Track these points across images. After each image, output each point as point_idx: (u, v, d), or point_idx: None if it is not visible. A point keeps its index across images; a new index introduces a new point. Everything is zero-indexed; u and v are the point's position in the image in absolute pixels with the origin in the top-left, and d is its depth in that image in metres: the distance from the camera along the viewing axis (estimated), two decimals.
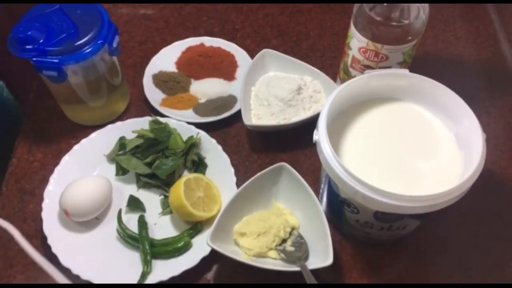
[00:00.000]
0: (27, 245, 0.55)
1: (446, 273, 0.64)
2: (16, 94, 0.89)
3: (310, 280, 0.56)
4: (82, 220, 0.65)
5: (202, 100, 0.79)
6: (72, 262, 0.60)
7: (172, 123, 0.73)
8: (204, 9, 0.93)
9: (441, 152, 0.59)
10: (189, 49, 0.85)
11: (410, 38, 0.64)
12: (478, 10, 0.94)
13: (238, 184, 0.66)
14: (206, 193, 0.66)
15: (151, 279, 0.60)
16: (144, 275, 0.60)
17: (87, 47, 0.64)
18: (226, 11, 0.93)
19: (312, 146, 0.57)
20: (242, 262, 0.59)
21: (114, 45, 0.67)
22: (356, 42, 0.66)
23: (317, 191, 0.64)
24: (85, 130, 0.74)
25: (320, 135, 0.54)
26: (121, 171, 0.70)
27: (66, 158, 0.69)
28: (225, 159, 0.70)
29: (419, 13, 0.62)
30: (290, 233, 0.63)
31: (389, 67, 0.67)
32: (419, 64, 0.71)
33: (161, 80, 0.80)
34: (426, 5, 0.63)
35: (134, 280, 0.60)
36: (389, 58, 0.66)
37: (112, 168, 0.71)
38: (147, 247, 0.62)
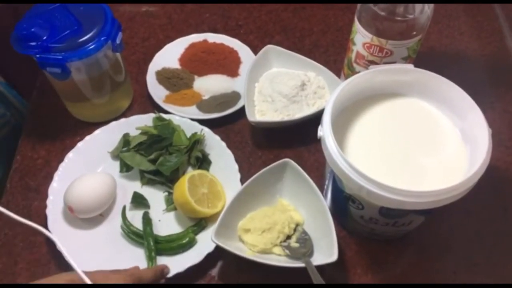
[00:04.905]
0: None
1: (451, 269, 0.64)
2: (19, 92, 0.89)
3: (315, 276, 0.56)
4: (87, 217, 0.65)
5: (206, 97, 0.79)
6: (77, 259, 0.60)
7: (175, 119, 0.73)
8: (207, 6, 0.93)
9: (446, 148, 0.58)
10: (192, 45, 0.85)
11: (415, 33, 0.63)
12: (483, 5, 0.93)
13: (242, 181, 0.66)
14: (210, 190, 0.66)
15: None
16: None
17: (90, 43, 0.64)
18: (229, 8, 0.92)
19: (316, 142, 0.57)
20: (246, 259, 0.59)
21: (118, 41, 0.67)
22: (360, 37, 0.66)
23: (321, 187, 0.63)
24: (89, 127, 0.74)
25: (325, 131, 0.54)
26: (125, 167, 0.70)
27: (70, 155, 0.69)
28: (229, 155, 0.70)
29: (423, 8, 0.62)
30: (295, 229, 0.63)
31: (394, 62, 0.66)
32: (424, 59, 0.70)
33: (164, 76, 0.80)
34: None
35: None
36: (394, 53, 0.65)
37: (116, 165, 0.71)
38: (152, 243, 0.62)
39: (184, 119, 0.73)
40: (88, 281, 0.45)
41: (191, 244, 0.63)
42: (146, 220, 0.65)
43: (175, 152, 0.69)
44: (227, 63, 0.83)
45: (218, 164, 0.71)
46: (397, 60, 0.67)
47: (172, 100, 0.78)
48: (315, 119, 0.61)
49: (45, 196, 0.66)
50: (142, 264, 0.61)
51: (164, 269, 0.58)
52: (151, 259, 0.61)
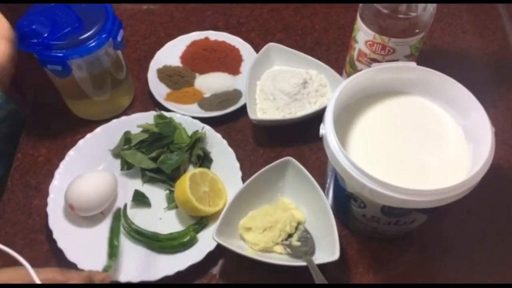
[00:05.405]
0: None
1: (452, 268, 0.64)
2: (20, 89, 0.89)
3: (317, 275, 0.56)
4: (88, 215, 0.65)
5: (207, 95, 0.79)
6: (78, 257, 0.60)
7: (177, 117, 0.73)
8: (209, 3, 0.92)
9: (449, 146, 0.58)
10: (194, 43, 0.85)
11: (417, 30, 0.63)
12: (486, 4, 0.93)
13: (243, 179, 0.66)
14: (212, 188, 0.66)
15: (157, 274, 0.60)
16: (106, 269, 0.59)
17: (91, 41, 0.63)
18: (231, 5, 0.92)
19: (317, 140, 0.56)
20: (248, 257, 0.59)
21: (119, 39, 0.67)
22: (363, 35, 0.66)
23: (323, 186, 0.63)
24: (90, 125, 0.74)
25: (327, 129, 0.54)
26: (126, 165, 0.70)
27: (71, 153, 0.69)
28: (230, 153, 0.69)
29: (426, 6, 0.62)
30: (296, 228, 0.63)
31: (396, 60, 0.66)
32: (426, 57, 0.70)
33: (165, 74, 0.80)
34: None
35: (139, 274, 0.60)
36: (396, 51, 0.65)
37: (117, 163, 0.71)
38: (115, 241, 0.62)
39: (185, 117, 0.73)
40: (38, 281, 0.44)
41: (192, 242, 0.63)
42: (117, 216, 0.64)
43: (176, 150, 0.69)
44: (228, 61, 0.82)
45: (220, 162, 0.70)
46: (400, 58, 0.66)
47: (173, 98, 0.78)
48: (317, 117, 0.61)
49: (46, 194, 0.66)
50: (143, 261, 0.62)
51: (105, 278, 0.55)
52: (111, 256, 0.61)
